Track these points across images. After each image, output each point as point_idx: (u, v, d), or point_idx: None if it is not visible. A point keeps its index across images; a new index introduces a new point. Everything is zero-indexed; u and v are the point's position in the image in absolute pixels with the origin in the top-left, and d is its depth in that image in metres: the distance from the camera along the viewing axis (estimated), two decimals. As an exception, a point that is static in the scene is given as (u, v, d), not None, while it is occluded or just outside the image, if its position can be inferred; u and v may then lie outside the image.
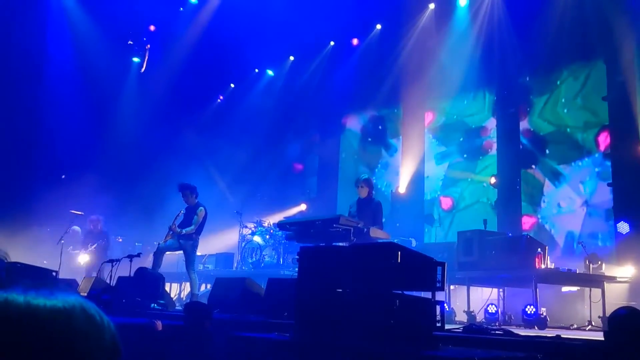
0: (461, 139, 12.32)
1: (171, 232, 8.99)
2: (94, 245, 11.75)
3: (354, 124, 14.86)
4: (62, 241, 11.42)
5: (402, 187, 12.72)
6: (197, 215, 8.95)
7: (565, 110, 10.68)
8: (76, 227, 12.25)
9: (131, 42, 14.73)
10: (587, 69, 10.46)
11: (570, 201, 10.38)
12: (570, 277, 7.56)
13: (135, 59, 15.26)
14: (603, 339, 3.75)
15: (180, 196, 9.19)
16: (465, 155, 12.20)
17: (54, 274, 8.27)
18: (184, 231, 8.89)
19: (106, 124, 14.02)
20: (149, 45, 14.53)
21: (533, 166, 10.94)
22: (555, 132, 10.80)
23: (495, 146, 11.63)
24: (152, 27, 15.08)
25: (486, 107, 12.10)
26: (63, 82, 13.56)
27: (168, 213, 13.66)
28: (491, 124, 11.87)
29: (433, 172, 12.67)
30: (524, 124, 11.27)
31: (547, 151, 10.86)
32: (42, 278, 7.18)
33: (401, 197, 12.54)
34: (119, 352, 0.82)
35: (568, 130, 10.63)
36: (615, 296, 7.83)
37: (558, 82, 10.86)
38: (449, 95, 12.48)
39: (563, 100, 10.74)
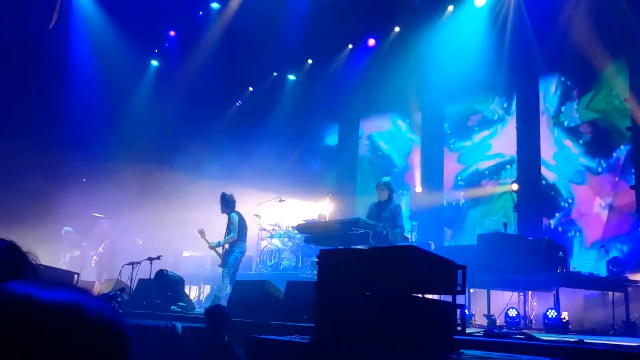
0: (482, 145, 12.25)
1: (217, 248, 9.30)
2: (102, 246, 12.12)
3: (372, 124, 14.84)
4: (84, 243, 11.61)
5: (419, 186, 12.71)
6: (231, 223, 9.21)
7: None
8: (67, 228, 12.62)
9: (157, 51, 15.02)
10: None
11: (592, 203, 10.26)
12: (592, 281, 7.47)
13: (154, 62, 15.42)
14: (631, 344, 3.69)
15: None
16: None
17: (75, 276, 8.39)
18: (222, 242, 9.23)
19: (126, 128, 14.16)
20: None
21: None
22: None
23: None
24: (172, 33, 15.24)
25: (508, 107, 12.01)
26: (84, 86, 13.74)
27: (187, 216, 13.80)
28: (510, 125, 11.80)
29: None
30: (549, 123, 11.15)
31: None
32: (64, 280, 7.26)
33: (420, 199, 12.48)
34: (116, 354, 0.81)
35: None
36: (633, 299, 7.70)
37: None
38: (467, 96, 12.42)
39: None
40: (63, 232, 12.75)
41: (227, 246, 9.25)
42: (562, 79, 11.12)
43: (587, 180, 10.44)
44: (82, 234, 12.55)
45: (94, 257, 12.15)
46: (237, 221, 9.20)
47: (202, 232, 9.42)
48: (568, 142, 10.90)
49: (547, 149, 11.10)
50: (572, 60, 10.63)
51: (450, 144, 12.95)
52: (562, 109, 11.06)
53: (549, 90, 11.30)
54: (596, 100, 10.56)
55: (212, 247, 9.34)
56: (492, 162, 12.00)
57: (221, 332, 4.96)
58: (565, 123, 10.98)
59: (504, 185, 11.56)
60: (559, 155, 10.98)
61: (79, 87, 13.80)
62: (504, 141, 11.87)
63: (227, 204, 9.34)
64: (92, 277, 11.44)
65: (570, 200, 10.62)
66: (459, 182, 12.57)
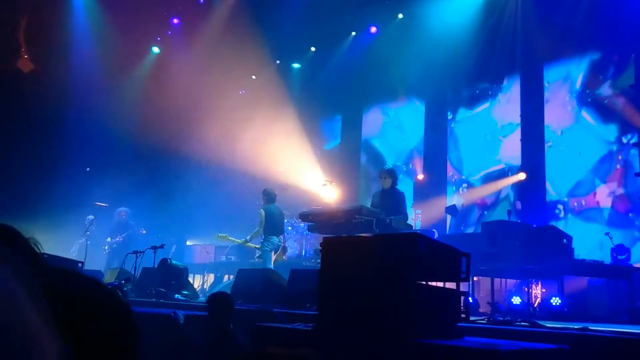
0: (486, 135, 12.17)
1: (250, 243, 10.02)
2: (123, 235, 12.10)
3: (376, 112, 14.78)
4: (88, 233, 11.62)
5: (421, 174, 12.69)
6: (258, 218, 9.83)
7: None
8: (91, 217, 12.60)
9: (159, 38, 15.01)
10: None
11: (597, 190, 10.21)
12: (597, 269, 7.44)
13: (155, 49, 15.37)
14: (636, 331, 3.67)
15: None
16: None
17: (79, 265, 8.41)
18: (249, 237, 9.88)
19: (128, 116, 14.12)
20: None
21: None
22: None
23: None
24: (175, 20, 15.17)
25: (511, 97, 11.93)
26: (86, 75, 13.70)
27: (189, 205, 13.83)
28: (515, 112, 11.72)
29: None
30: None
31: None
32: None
33: (423, 186, 12.44)
34: (126, 338, 0.80)
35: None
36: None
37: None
38: (472, 83, 12.36)
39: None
40: (87, 220, 12.73)
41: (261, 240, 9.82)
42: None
43: (594, 165, 10.33)
44: (85, 223, 12.54)
45: (110, 242, 12.18)
46: (262, 217, 9.71)
47: (223, 237, 10.20)
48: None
49: (561, 124, 10.93)
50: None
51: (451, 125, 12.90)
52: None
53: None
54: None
55: (242, 243, 10.10)
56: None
57: (225, 320, 4.90)
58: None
59: (511, 176, 11.41)
60: (572, 130, 10.78)
61: (81, 76, 13.74)
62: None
63: (263, 198, 10.03)
64: (102, 265, 11.46)
65: (574, 192, 10.56)
66: (463, 178, 12.49)
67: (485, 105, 12.35)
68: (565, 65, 11.11)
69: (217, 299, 5.09)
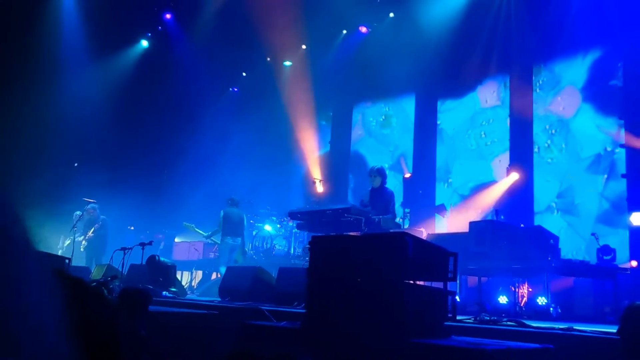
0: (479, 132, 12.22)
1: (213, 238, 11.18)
2: (92, 230, 12.02)
3: (366, 110, 14.79)
4: (75, 228, 11.55)
5: (408, 173, 12.75)
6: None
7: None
8: (78, 212, 12.59)
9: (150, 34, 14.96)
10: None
11: (585, 190, 10.28)
12: (583, 269, 7.51)
13: (144, 43, 15.30)
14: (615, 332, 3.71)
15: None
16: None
17: (66, 261, 8.35)
18: (210, 233, 11.07)
19: (117, 112, 14.05)
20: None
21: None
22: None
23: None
24: (168, 16, 15.10)
25: (501, 95, 11.97)
26: (76, 69, 13.61)
27: (177, 202, 13.79)
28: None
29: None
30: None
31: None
32: (55, 265, 7.22)
33: (411, 185, 12.46)
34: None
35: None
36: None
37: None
38: (463, 82, 12.37)
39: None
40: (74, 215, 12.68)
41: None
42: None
43: (585, 163, 10.38)
44: (73, 219, 12.48)
45: (83, 242, 12.09)
46: (220, 217, 10.79)
47: (189, 226, 11.30)
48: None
49: (557, 120, 10.96)
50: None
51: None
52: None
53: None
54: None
55: (204, 237, 11.25)
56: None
57: (131, 322, 3.91)
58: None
59: (503, 179, 11.39)
60: (568, 127, 10.74)
61: (71, 71, 13.65)
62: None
63: (226, 202, 11.03)
64: (82, 262, 11.38)
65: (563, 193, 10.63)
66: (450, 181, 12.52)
67: (471, 93, 12.41)
68: (565, 62, 11.08)
69: (125, 295, 4.08)
